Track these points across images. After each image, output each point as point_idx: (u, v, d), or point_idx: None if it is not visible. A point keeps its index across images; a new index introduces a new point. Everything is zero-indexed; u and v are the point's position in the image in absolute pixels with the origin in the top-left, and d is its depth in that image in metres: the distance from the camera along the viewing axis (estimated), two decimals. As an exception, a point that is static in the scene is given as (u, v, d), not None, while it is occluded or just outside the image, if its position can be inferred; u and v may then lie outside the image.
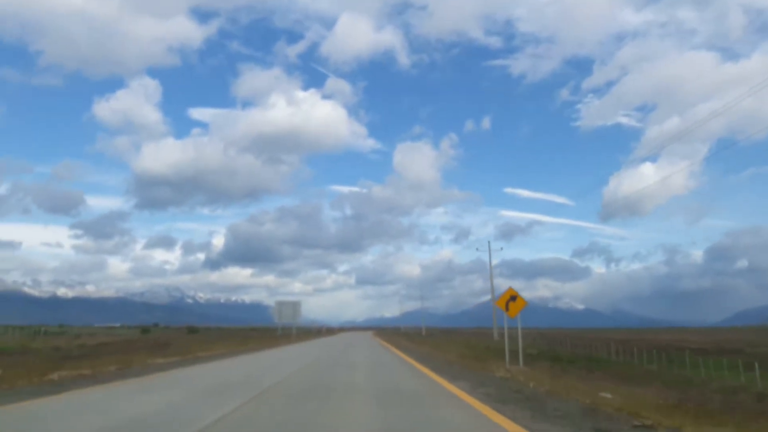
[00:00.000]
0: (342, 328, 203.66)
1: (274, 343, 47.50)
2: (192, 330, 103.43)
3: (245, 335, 70.61)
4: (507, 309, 19.39)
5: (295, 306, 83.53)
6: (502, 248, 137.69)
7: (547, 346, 46.77)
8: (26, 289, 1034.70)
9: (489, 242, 47.22)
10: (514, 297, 19.41)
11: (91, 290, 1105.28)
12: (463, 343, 43.93)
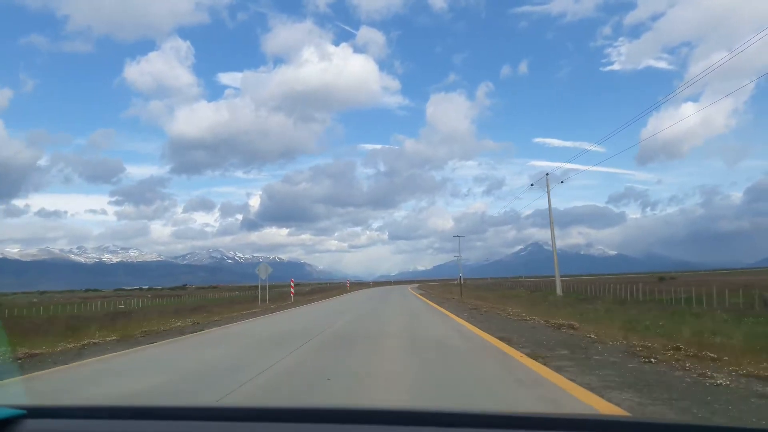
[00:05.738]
0: (366, 284, 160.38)
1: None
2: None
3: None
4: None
5: None
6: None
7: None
8: (72, 256, 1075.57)
9: (547, 174, 38.62)
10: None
11: (134, 255, 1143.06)
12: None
